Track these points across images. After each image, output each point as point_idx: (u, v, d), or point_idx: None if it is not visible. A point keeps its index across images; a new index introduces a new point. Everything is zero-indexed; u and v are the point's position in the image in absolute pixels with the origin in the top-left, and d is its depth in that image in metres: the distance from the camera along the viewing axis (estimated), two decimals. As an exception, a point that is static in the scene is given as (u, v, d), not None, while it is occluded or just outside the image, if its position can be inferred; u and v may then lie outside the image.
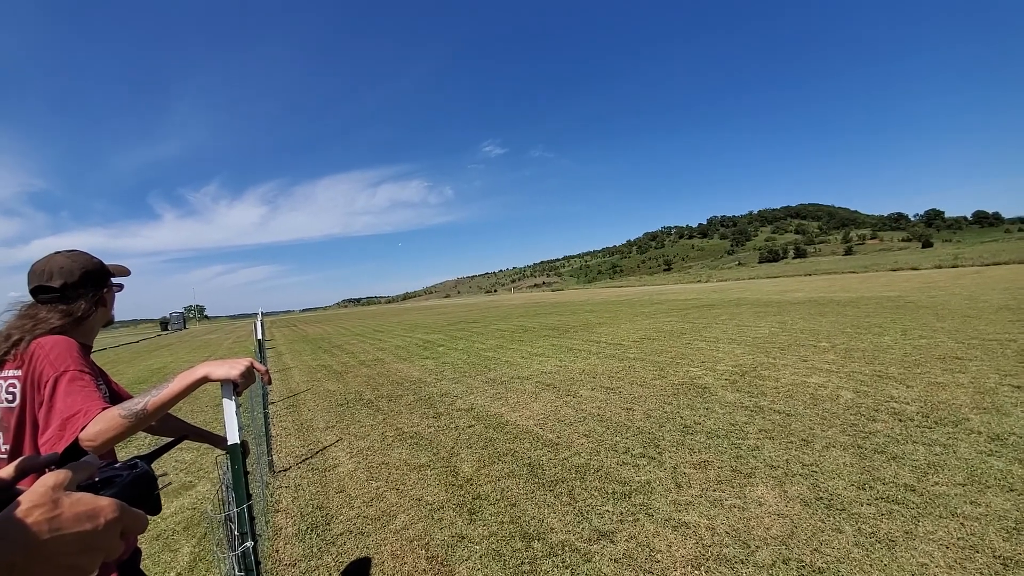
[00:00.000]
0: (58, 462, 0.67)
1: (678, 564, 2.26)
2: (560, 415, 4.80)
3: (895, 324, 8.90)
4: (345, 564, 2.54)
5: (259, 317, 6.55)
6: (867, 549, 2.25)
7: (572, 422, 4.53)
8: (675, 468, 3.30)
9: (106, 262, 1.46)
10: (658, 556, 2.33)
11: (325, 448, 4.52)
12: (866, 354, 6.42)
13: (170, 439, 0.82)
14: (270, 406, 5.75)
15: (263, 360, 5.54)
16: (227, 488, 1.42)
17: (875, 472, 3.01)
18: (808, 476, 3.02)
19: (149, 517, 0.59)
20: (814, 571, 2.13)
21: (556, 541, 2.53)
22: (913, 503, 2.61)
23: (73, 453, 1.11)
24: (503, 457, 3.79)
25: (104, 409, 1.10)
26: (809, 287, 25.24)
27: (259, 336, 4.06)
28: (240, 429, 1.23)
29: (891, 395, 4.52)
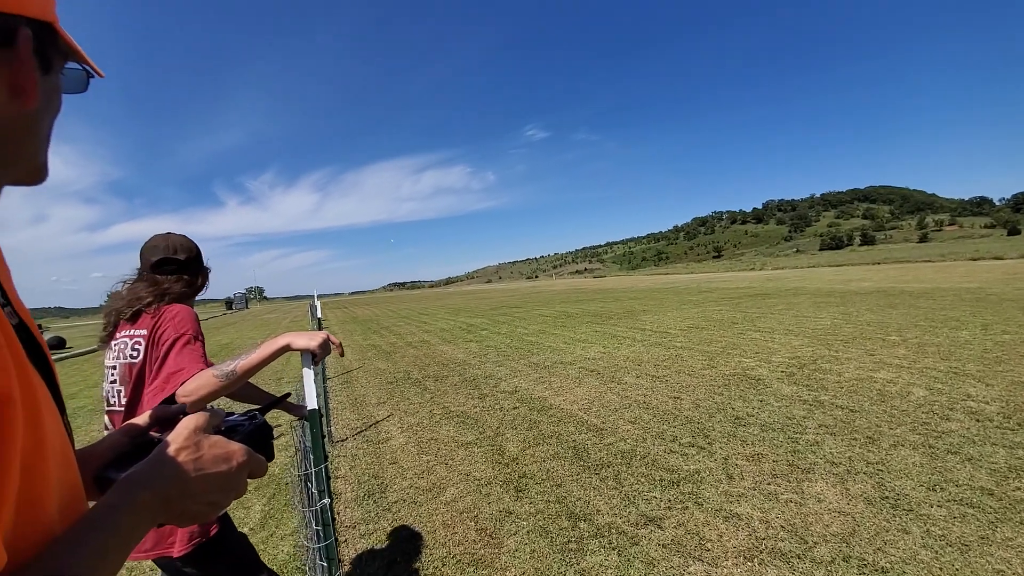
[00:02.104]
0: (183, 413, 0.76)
1: (730, 554, 2.23)
2: (604, 401, 4.79)
3: (975, 318, 8.11)
4: (400, 529, 2.70)
5: (315, 299, 6.92)
6: (936, 552, 2.12)
7: (617, 408, 4.50)
8: (726, 459, 3.22)
9: None
10: (708, 545, 2.31)
11: (378, 422, 4.77)
12: (941, 349, 5.91)
13: (276, 396, 0.90)
14: (327, 381, 6.11)
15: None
16: (303, 450, 1.54)
17: (948, 473, 2.80)
18: (873, 475, 2.86)
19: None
20: (877, 571, 2.03)
21: (603, 523, 2.56)
22: (990, 507, 2.42)
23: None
24: (548, 439, 3.85)
25: (203, 369, 1.23)
26: (878, 276, 23.40)
27: (318, 315, 4.31)
28: (317, 396, 1.33)
29: (968, 393, 4.16)
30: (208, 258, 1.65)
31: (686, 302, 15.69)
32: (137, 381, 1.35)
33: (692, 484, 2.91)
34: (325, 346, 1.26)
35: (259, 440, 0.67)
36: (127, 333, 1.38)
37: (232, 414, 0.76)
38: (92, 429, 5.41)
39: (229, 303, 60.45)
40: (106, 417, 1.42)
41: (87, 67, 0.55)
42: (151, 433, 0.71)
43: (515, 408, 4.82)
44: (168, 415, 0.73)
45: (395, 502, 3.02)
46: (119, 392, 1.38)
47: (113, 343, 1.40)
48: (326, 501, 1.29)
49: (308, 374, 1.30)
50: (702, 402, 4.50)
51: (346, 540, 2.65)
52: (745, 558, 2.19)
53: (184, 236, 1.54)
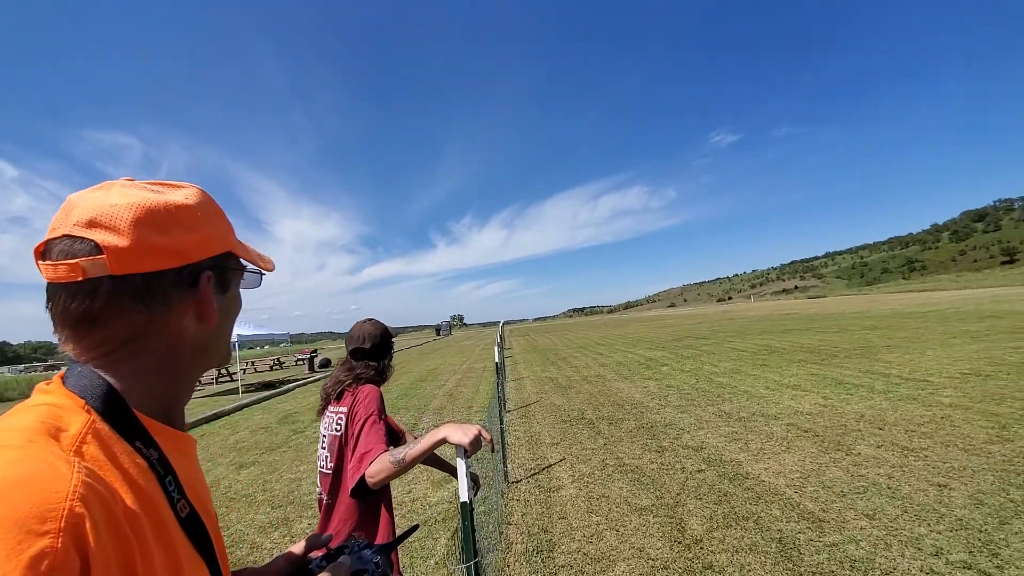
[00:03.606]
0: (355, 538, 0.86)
1: None
2: (825, 477, 3.77)
3: None
4: (567, 602, 2.58)
5: (500, 327, 7.53)
6: None
7: (845, 492, 3.48)
8: (1048, 608, 2.12)
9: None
10: None
11: (551, 466, 4.79)
12: None
13: (407, 530, 0.97)
14: (506, 414, 6.49)
15: (501, 388, 6.21)
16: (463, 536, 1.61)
17: None
18: None
19: None
20: None
21: (822, 668, 1.94)
22: None
23: (362, 486, 1.46)
24: (742, 521, 3.21)
25: (383, 451, 1.44)
26: None
27: (497, 360, 4.63)
28: (470, 489, 1.38)
29: None
30: (391, 337, 1.91)
31: (959, 333, 11.55)
32: (339, 451, 1.63)
33: (980, 640, 1.99)
34: (476, 442, 1.34)
35: None
36: (334, 409, 1.69)
37: (368, 547, 0.83)
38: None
39: (437, 329, 71.26)
40: (318, 477, 1.74)
41: (260, 270, 0.68)
42: (309, 555, 0.83)
43: (700, 471, 4.21)
44: (320, 544, 0.84)
45: (562, 566, 2.92)
46: (326, 457, 1.68)
47: (325, 417, 1.74)
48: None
49: (461, 465, 1.36)
50: (987, 496, 3.12)
51: (515, 599, 2.67)
52: None
53: (374, 323, 1.82)
